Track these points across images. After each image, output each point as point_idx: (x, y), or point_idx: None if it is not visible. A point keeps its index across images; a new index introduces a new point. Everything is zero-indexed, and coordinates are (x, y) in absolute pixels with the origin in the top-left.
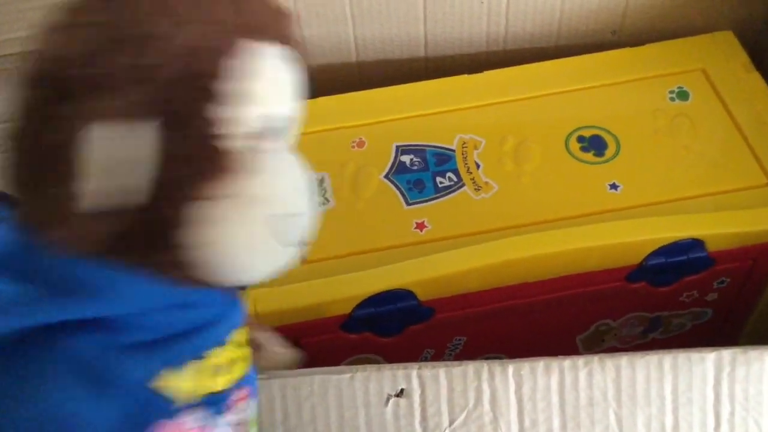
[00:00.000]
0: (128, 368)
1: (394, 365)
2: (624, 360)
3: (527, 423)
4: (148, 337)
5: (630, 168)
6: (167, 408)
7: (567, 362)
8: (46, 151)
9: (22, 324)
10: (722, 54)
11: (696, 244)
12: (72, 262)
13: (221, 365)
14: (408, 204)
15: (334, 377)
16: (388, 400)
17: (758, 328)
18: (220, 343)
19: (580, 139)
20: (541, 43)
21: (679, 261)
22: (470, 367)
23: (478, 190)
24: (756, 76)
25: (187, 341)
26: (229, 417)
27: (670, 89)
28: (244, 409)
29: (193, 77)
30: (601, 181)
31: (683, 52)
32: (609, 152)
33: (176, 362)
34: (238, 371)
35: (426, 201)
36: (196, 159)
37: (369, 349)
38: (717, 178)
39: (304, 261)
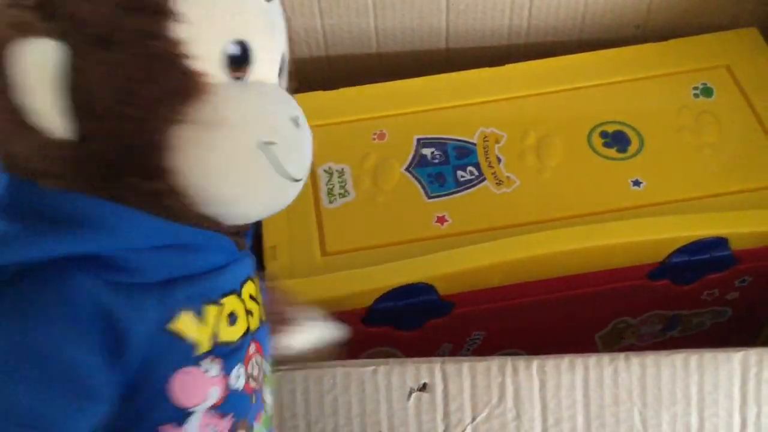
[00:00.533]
0: (141, 307)
1: (418, 359)
2: (650, 358)
3: (551, 421)
4: (155, 277)
5: (653, 164)
6: (188, 354)
7: (592, 359)
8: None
9: (15, 259)
10: (747, 51)
11: (720, 242)
12: (65, 198)
13: (237, 314)
14: (429, 197)
15: (357, 370)
16: (410, 394)
17: None
18: (234, 291)
19: (603, 134)
20: (564, 37)
21: (702, 259)
22: (494, 362)
23: (500, 184)
24: None
25: (198, 284)
26: (245, 369)
27: (694, 86)
28: (258, 365)
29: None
30: (624, 177)
31: (708, 49)
32: (632, 148)
33: (191, 306)
34: (253, 323)
35: (447, 195)
36: (162, 81)
37: (387, 342)
38: (741, 176)
39: (324, 253)
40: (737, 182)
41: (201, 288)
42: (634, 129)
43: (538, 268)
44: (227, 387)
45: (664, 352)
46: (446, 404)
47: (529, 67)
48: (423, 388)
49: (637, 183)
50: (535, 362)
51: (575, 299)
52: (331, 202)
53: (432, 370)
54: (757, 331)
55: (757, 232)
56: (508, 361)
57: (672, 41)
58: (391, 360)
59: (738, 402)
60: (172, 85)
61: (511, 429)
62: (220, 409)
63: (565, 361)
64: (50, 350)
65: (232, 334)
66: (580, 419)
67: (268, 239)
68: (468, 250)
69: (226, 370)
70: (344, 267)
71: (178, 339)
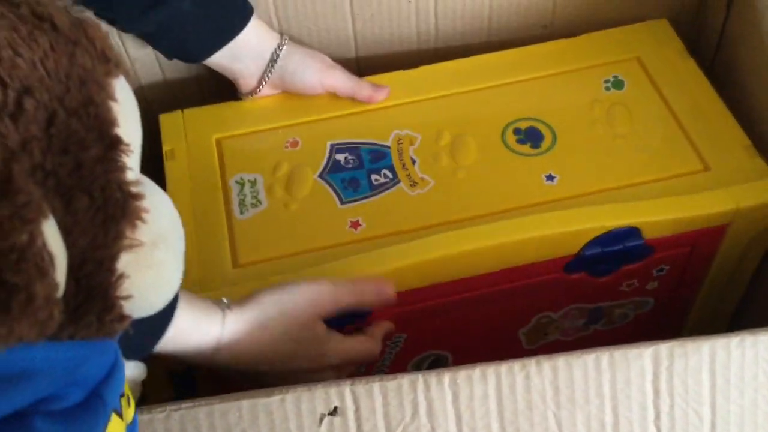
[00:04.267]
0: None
1: (326, 383)
2: (561, 361)
3: (466, 431)
4: (90, 386)
5: (566, 159)
6: None
7: (504, 367)
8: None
9: None
10: (657, 42)
11: (632, 232)
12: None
13: (128, 393)
14: (342, 203)
15: (263, 400)
16: (321, 419)
17: (703, 316)
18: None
19: (517, 131)
20: (473, 41)
21: (616, 250)
22: (405, 379)
23: (414, 186)
24: (691, 64)
25: (114, 382)
26: None
27: (605, 78)
28: None
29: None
30: (538, 172)
31: (618, 42)
32: (545, 144)
33: (116, 406)
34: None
35: (361, 199)
36: (104, 211)
37: None
38: (654, 166)
39: (236, 265)
40: (650, 172)
41: (116, 384)
42: (546, 124)
43: (455, 267)
44: None
45: (575, 353)
46: (359, 425)
47: (441, 68)
48: (334, 411)
49: (550, 178)
50: (447, 375)
51: (494, 296)
52: (242, 213)
53: (342, 393)
54: (683, 320)
55: (668, 220)
56: (420, 377)
57: (582, 36)
58: (298, 387)
59: (651, 397)
60: (109, 216)
61: None
62: None
63: (477, 371)
64: None
65: (130, 413)
66: (495, 426)
67: None
68: (381, 253)
69: None
70: (257, 278)
71: None
